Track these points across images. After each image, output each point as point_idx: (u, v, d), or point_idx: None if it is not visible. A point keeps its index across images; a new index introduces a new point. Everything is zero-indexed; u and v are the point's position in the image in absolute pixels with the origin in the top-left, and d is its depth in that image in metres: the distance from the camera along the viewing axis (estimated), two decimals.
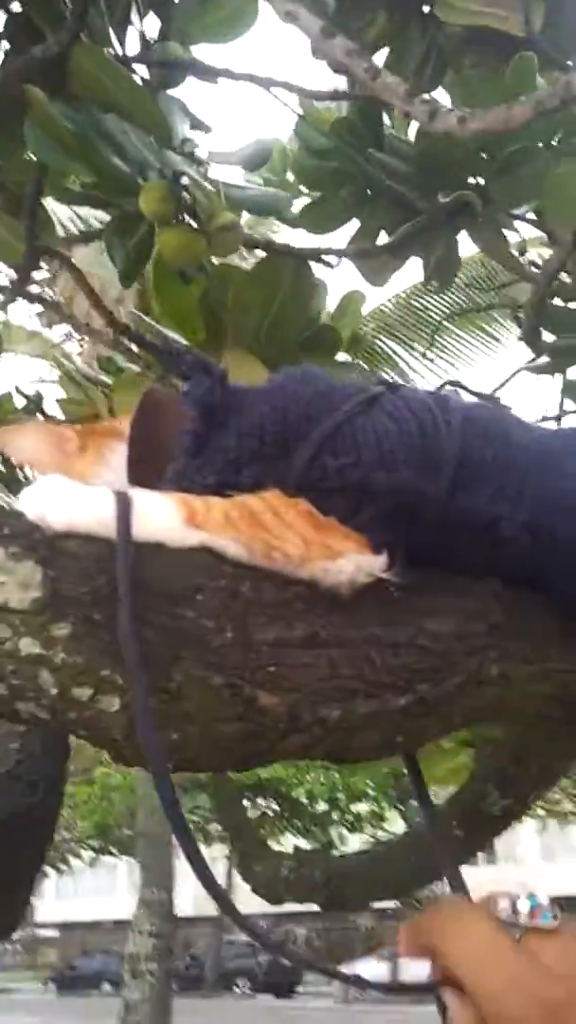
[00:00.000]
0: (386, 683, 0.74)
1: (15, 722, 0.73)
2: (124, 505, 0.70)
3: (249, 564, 0.73)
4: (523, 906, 0.48)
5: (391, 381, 0.90)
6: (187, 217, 1.37)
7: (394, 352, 7.12)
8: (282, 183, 2.32)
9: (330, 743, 0.73)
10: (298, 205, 2.09)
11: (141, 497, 0.73)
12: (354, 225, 1.95)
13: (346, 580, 0.74)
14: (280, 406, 0.81)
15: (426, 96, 0.85)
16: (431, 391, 0.91)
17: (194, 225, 1.35)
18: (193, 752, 0.70)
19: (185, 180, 1.33)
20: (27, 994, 26.63)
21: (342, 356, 2.44)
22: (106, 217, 1.45)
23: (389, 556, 0.76)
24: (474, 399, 1.10)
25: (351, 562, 0.74)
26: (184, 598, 0.71)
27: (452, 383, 1.48)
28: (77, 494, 0.73)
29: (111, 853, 22.42)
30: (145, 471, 0.82)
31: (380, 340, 7.07)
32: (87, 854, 22.26)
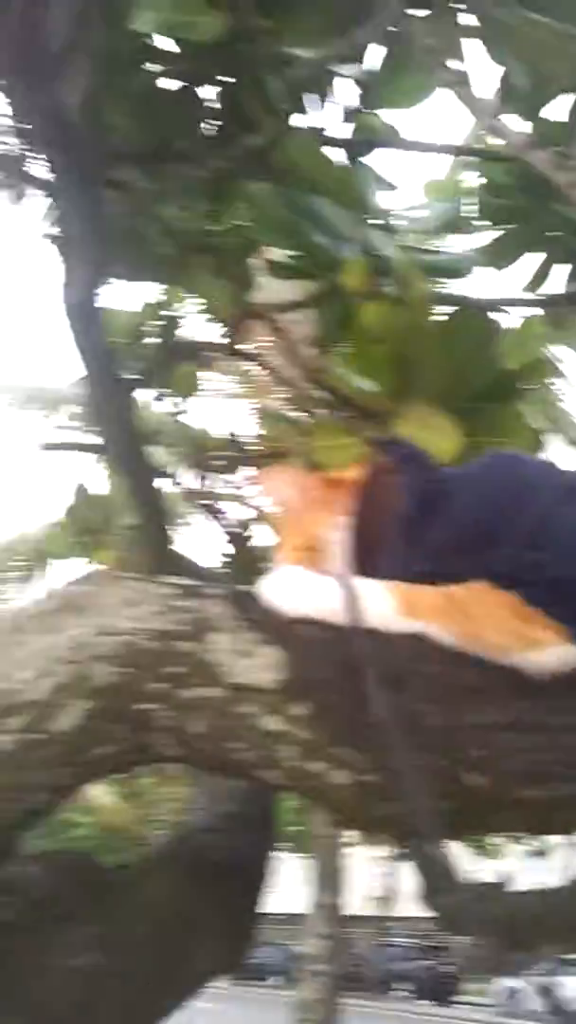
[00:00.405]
0: None
1: (259, 785, 0.84)
2: (351, 594, 0.79)
3: (456, 651, 0.81)
4: None
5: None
6: (385, 286, 1.46)
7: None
8: (457, 220, 2.38)
9: (533, 821, 0.80)
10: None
11: (360, 586, 0.82)
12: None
13: (548, 670, 0.80)
14: (487, 496, 0.87)
15: None
16: None
17: (391, 295, 1.43)
18: (409, 826, 0.79)
19: (384, 253, 1.41)
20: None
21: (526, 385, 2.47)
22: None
23: None
24: None
25: (552, 654, 0.80)
26: (399, 682, 0.79)
27: None
28: (307, 584, 0.82)
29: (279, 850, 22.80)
30: (366, 542, 0.91)
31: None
32: None
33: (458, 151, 1.60)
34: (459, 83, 1.17)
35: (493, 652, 0.80)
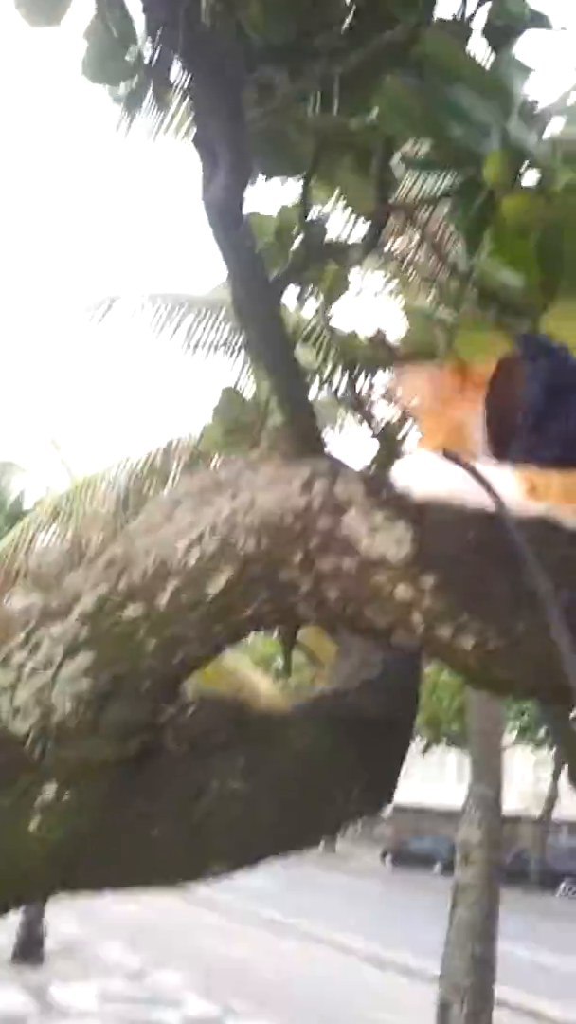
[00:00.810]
0: None
1: (391, 647, 0.93)
2: (481, 479, 0.85)
3: None
4: None
5: None
6: (530, 178, 1.45)
7: None
8: None
9: None
10: None
11: (490, 474, 0.87)
12: None
13: None
14: None
15: None
16: None
17: (536, 188, 1.42)
18: (533, 684, 0.86)
19: (527, 144, 1.40)
20: (367, 861, 28.94)
21: None
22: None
23: None
24: None
25: None
26: (522, 564, 0.85)
27: None
28: (437, 470, 0.88)
29: (440, 744, 23.39)
30: (497, 431, 0.96)
31: None
32: (420, 743, 23.48)
33: None
34: None
35: None
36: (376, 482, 0.88)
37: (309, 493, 0.84)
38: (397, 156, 1.77)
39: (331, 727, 0.97)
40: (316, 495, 0.84)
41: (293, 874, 13.07)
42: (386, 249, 3.78)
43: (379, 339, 2.48)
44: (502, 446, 0.94)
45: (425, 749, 23.54)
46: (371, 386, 3.07)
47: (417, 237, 1.84)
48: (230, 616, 0.82)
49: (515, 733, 21.56)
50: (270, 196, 2.15)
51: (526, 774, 26.36)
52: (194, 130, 1.71)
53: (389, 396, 3.02)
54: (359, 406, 2.53)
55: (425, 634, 0.85)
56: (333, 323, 2.83)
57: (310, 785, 0.92)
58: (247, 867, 0.93)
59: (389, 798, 1.08)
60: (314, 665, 2.45)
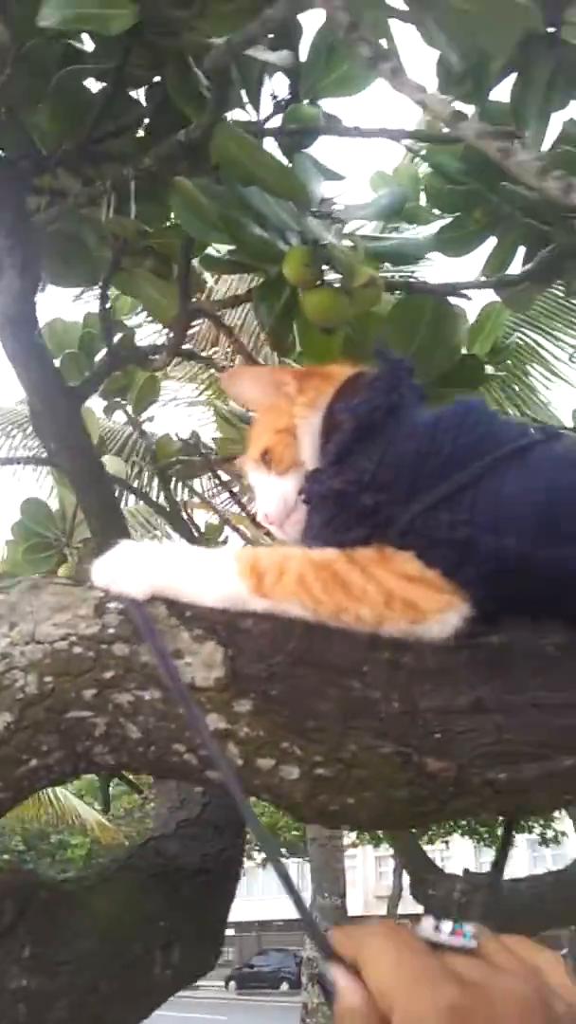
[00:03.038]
0: (552, 744, 0.77)
1: (207, 788, 0.81)
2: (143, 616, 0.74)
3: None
4: (445, 927, 0.51)
5: (550, 430, 0.90)
6: (329, 275, 1.43)
7: (539, 345, 6.95)
8: (414, 209, 2.36)
9: (499, 803, 0.77)
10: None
11: (213, 566, 0.78)
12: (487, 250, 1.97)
13: (436, 637, 0.77)
14: (424, 452, 0.82)
15: (557, 173, 0.88)
16: None
17: (336, 285, 1.41)
18: (368, 814, 0.76)
19: (325, 242, 1.39)
20: (210, 991, 27.46)
21: (488, 368, 2.45)
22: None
23: (490, 612, 0.77)
24: None
25: (442, 621, 0.77)
26: (351, 671, 0.77)
27: None
28: (126, 568, 0.77)
29: (281, 855, 22.92)
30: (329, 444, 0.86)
31: (523, 334, 6.92)
32: (259, 855, 22.86)
33: (403, 137, 1.58)
34: (390, 68, 1.13)
35: (361, 624, 0.77)
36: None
37: (102, 617, 0.73)
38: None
39: (147, 883, 0.83)
40: (110, 619, 0.73)
41: None
42: (203, 354, 3.78)
43: (193, 442, 2.42)
44: (331, 462, 0.85)
45: (264, 862, 22.91)
46: (188, 492, 3.00)
47: (226, 340, 1.79)
48: (10, 771, 0.68)
49: (355, 833, 21.38)
50: (70, 303, 2.08)
51: (369, 874, 26.11)
52: None
53: (209, 502, 2.95)
54: (175, 513, 2.44)
55: (245, 769, 0.75)
56: (146, 429, 2.75)
57: (121, 960, 0.78)
58: None
59: (217, 952, 0.95)
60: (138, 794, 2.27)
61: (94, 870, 0.88)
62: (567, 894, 1.56)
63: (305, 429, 0.87)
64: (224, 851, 0.99)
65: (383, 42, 1.18)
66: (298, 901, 0.59)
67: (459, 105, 1.73)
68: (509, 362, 6.85)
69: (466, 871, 1.64)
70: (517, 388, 6.98)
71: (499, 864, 0.89)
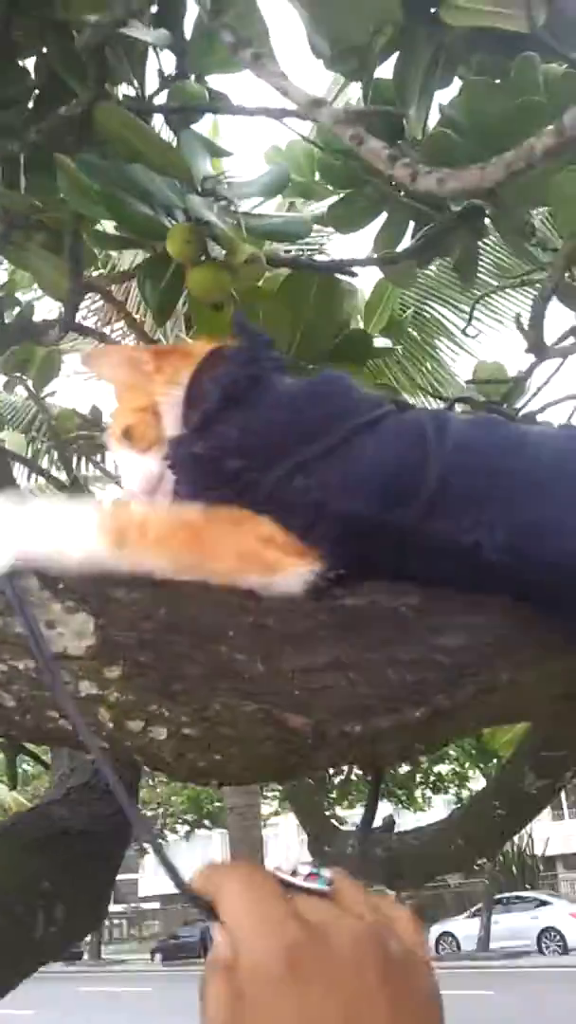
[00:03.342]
0: (403, 698, 0.83)
1: (82, 751, 0.85)
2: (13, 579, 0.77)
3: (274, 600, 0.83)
4: (303, 870, 0.54)
5: (402, 402, 0.96)
6: (213, 252, 1.46)
7: (443, 316, 7.09)
8: (309, 185, 2.40)
9: (355, 754, 0.83)
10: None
11: (75, 522, 0.80)
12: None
13: (289, 591, 0.82)
14: (285, 422, 0.87)
15: (406, 160, 0.92)
16: (437, 412, 0.95)
17: (220, 261, 1.44)
18: (235, 769, 0.81)
19: (207, 219, 1.41)
20: (137, 964, 27.58)
21: (383, 341, 2.51)
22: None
23: (344, 573, 0.83)
24: (488, 416, 1.15)
25: (293, 575, 0.82)
26: (218, 636, 0.81)
27: (462, 399, 1.53)
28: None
29: (204, 826, 23.12)
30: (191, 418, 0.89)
31: (428, 306, 7.04)
32: (182, 828, 23.04)
33: (283, 116, 1.60)
34: (251, 54, 1.15)
35: (217, 578, 0.81)
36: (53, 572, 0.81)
37: None
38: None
39: (25, 846, 0.86)
40: None
41: (48, 992, 11.55)
42: (105, 329, 3.76)
43: (95, 417, 2.42)
44: (195, 429, 0.88)
45: (188, 834, 23.08)
46: (89, 467, 2.99)
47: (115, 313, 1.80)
48: None
49: (276, 803, 21.67)
50: None
51: (292, 842, 26.51)
52: None
53: (107, 475, 2.96)
54: (75, 489, 2.44)
55: (116, 731, 0.79)
56: (47, 404, 2.74)
57: (4, 920, 0.81)
58: None
59: (103, 911, 0.98)
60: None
61: None
62: (451, 841, 1.66)
63: (167, 406, 0.90)
64: (113, 815, 1.03)
65: (256, 25, 1.21)
66: (171, 869, 0.62)
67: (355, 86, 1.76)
68: (418, 336, 7.00)
69: (357, 827, 1.71)
70: (430, 366, 7.11)
71: (367, 819, 0.95)
